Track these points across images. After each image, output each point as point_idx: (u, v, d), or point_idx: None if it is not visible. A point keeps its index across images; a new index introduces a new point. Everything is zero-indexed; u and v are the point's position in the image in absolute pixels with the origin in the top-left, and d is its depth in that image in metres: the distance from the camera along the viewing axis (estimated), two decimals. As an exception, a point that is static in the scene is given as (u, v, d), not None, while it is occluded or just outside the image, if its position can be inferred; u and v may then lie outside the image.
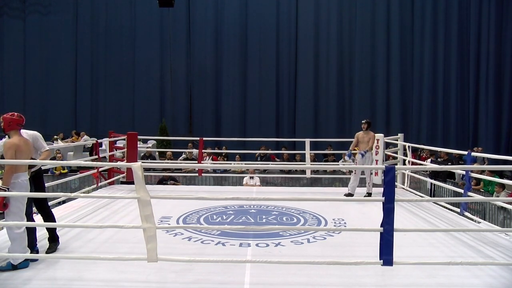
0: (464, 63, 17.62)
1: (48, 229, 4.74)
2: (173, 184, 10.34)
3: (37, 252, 4.42)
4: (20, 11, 18.17)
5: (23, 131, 4.52)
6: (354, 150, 8.32)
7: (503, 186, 9.64)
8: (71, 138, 14.97)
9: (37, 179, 4.67)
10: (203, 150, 10.12)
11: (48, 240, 4.69)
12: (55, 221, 4.87)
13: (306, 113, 17.83)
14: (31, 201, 4.50)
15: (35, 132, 4.79)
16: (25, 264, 4.11)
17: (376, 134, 8.60)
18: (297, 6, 17.89)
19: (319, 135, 16.78)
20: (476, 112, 17.56)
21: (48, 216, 4.77)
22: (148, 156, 12.59)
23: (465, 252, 4.74)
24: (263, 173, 11.89)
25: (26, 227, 4.19)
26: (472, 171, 6.42)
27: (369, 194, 7.97)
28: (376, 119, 17.59)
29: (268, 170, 12.14)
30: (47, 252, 4.54)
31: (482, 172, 9.43)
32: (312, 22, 17.82)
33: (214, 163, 12.61)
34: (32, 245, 4.32)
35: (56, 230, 4.78)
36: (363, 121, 8.31)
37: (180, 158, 12.82)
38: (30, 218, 4.44)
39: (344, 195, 7.99)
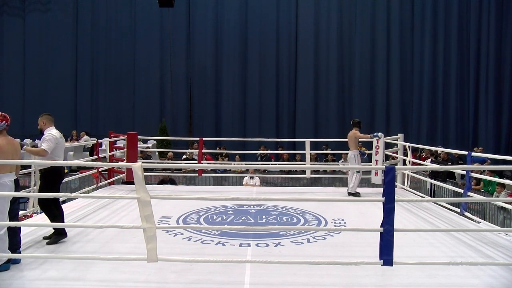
0: (464, 63, 17.63)
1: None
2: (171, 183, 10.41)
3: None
4: (19, 10, 18.15)
5: (47, 131, 4.88)
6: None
7: (503, 185, 9.64)
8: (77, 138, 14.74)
9: (46, 178, 4.81)
10: (203, 150, 10.12)
11: (54, 233, 4.80)
12: (62, 221, 5.00)
13: (306, 113, 17.83)
14: (16, 202, 4.40)
15: (49, 133, 4.92)
16: (5, 266, 4.00)
17: (376, 134, 8.64)
18: (297, 6, 17.90)
19: (319, 135, 16.78)
20: (476, 112, 17.56)
21: (54, 216, 4.84)
22: (145, 156, 12.46)
23: (465, 252, 4.74)
24: (263, 173, 11.88)
25: (11, 229, 4.09)
26: (472, 171, 6.42)
27: (353, 194, 7.96)
28: (376, 119, 17.63)
29: (268, 170, 12.14)
30: (47, 243, 4.65)
31: (482, 172, 9.43)
32: (312, 22, 17.82)
33: (213, 163, 12.60)
34: (15, 248, 4.19)
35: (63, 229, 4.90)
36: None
37: (183, 158, 12.81)
38: (15, 219, 4.33)
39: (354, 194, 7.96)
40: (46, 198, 4.83)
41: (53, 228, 4.86)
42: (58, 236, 4.82)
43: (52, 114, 5.37)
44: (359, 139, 8.37)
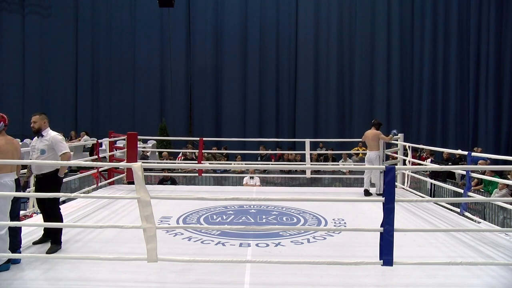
0: (464, 63, 17.62)
1: (51, 231, 4.65)
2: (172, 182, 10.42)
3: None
4: (19, 6, 18.10)
5: (47, 131, 4.69)
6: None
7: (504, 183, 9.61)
8: (77, 138, 14.66)
9: (45, 182, 4.62)
10: (203, 151, 10.12)
11: (51, 242, 4.64)
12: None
13: (306, 113, 17.83)
14: (17, 202, 4.35)
15: (57, 135, 4.74)
16: (5, 267, 3.99)
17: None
18: (297, 6, 17.90)
19: (319, 135, 16.78)
20: (476, 112, 17.56)
21: (51, 218, 4.65)
22: (142, 156, 12.39)
23: (465, 252, 4.74)
24: (263, 173, 11.88)
25: (12, 229, 4.06)
26: (472, 171, 6.42)
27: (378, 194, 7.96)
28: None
29: (268, 170, 12.14)
30: (47, 252, 4.49)
31: (483, 172, 9.41)
32: (312, 22, 17.82)
33: (213, 163, 12.59)
34: (16, 248, 4.17)
35: (61, 235, 4.71)
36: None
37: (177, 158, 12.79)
38: (16, 219, 4.30)
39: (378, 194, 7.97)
40: (55, 201, 4.72)
41: (51, 237, 4.67)
42: (58, 245, 4.65)
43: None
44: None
